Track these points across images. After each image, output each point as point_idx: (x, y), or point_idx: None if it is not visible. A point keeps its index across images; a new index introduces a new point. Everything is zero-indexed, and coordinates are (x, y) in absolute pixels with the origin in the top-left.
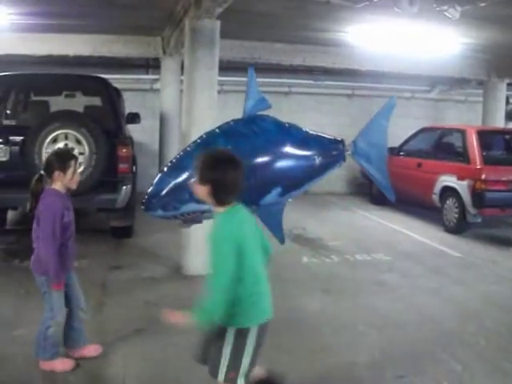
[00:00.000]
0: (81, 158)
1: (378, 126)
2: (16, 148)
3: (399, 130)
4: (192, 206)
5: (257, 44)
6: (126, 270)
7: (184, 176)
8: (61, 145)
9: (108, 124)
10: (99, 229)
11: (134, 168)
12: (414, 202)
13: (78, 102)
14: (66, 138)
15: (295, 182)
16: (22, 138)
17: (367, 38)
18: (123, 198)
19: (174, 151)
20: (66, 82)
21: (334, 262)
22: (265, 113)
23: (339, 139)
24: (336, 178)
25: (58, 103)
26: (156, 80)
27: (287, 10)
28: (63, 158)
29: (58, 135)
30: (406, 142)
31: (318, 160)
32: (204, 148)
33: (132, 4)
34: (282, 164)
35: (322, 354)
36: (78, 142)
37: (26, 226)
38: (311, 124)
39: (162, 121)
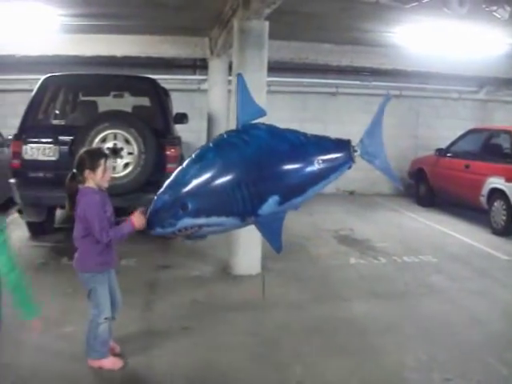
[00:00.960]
0: (130, 158)
1: (376, 122)
2: (65, 148)
3: (446, 131)
4: (187, 221)
5: (304, 44)
6: (174, 269)
7: (177, 192)
8: (110, 144)
9: (156, 124)
10: None
11: None
12: (461, 204)
13: (126, 102)
14: (115, 137)
15: (294, 188)
16: (70, 137)
17: (415, 39)
18: None
19: None
20: (115, 83)
21: (382, 264)
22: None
23: (345, 140)
24: (383, 179)
25: (106, 103)
26: (203, 80)
27: (335, 11)
28: (93, 157)
29: (107, 135)
30: (454, 143)
31: (319, 164)
32: (198, 163)
33: (180, 5)
34: (276, 171)
35: (370, 355)
36: (127, 141)
37: (74, 224)
38: (359, 124)
39: (210, 121)
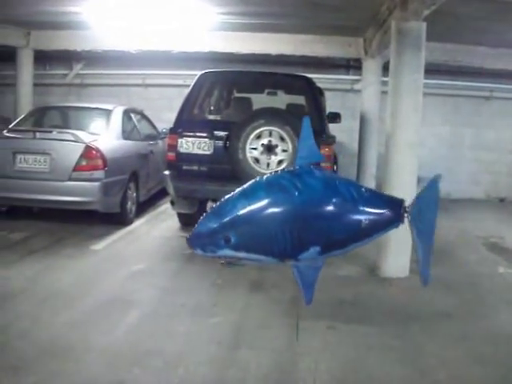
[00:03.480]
0: (284, 155)
1: (433, 195)
2: (220, 142)
3: None
4: (227, 252)
5: (459, 47)
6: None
7: (223, 223)
8: (264, 141)
9: (311, 123)
10: None
11: (335, 167)
12: None
13: (280, 100)
14: (270, 134)
15: (337, 242)
16: (226, 133)
17: None
18: None
19: (373, 152)
20: (270, 80)
21: None
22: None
23: (399, 199)
24: None
25: (260, 100)
26: (356, 80)
27: (494, 13)
28: None
29: (262, 132)
30: None
31: (366, 221)
32: (248, 198)
33: (335, 5)
34: (322, 223)
35: None
36: (282, 139)
37: None
38: (510, 130)
39: (362, 121)
